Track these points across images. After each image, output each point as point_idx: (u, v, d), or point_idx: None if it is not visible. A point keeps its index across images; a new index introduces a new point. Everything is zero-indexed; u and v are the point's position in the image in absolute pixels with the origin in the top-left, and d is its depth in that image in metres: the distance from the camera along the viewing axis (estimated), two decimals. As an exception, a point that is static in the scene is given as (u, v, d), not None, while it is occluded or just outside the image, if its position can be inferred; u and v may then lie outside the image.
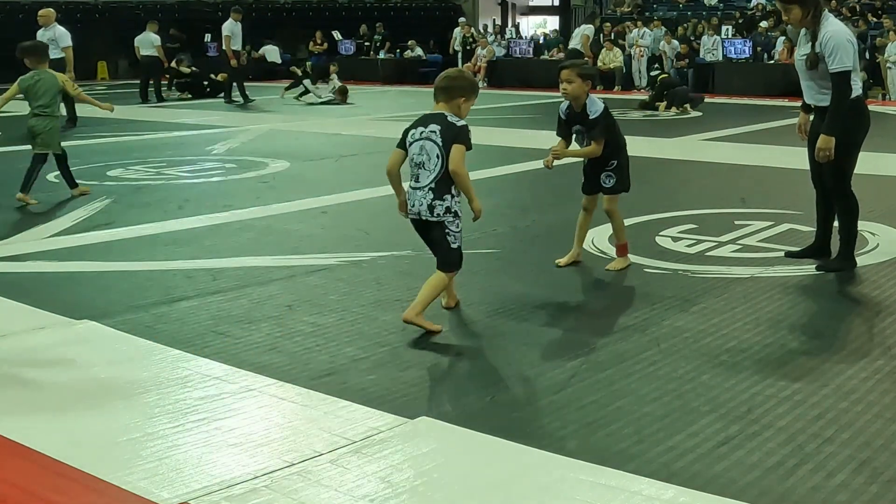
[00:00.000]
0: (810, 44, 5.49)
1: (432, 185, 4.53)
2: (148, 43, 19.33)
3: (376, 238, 6.61)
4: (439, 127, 4.55)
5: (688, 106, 16.25)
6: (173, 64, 20.42)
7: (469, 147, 4.55)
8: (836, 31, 5.41)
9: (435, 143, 4.53)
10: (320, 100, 18.61)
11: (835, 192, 5.66)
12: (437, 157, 4.52)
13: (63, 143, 8.48)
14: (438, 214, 4.55)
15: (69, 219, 7.34)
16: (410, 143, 4.61)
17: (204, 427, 3.48)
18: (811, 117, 5.81)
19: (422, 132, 4.57)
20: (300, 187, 8.87)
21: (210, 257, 6.11)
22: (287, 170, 9.99)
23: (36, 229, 6.96)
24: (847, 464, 3.13)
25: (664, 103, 16.45)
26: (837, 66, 5.35)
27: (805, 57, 5.50)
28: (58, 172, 8.48)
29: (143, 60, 19.55)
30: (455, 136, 4.51)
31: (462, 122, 4.58)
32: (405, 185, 4.67)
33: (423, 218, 4.60)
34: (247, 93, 18.67)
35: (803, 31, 5.59)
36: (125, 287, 5.48)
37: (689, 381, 3.91)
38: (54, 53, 14.08)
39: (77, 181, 8.51)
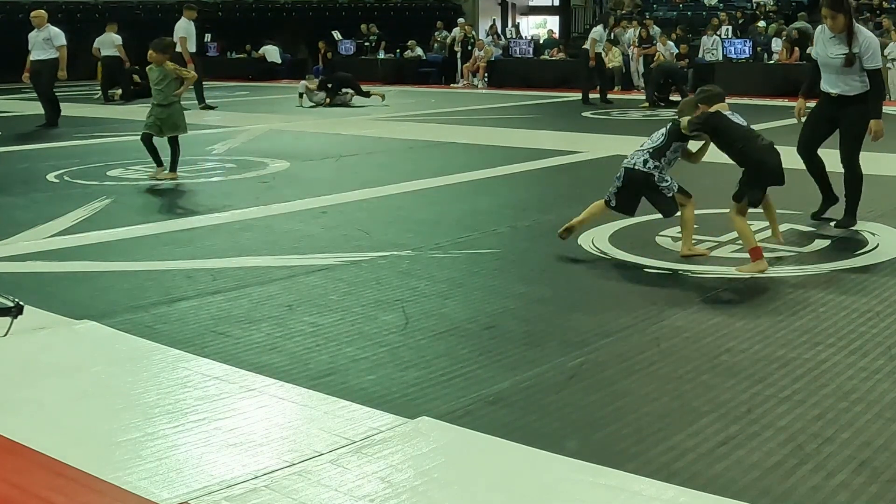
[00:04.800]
0: (844, 45, 6.54)
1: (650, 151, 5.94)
2: (109, 43, 19.44)
3: (376, 238, 6.61)
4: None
5: (685, 88, 17.41)
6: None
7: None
8: (871, 36, 6.64)
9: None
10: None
11: (851, 165, 6.73)
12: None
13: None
14: (649, 168, 5.90)
15: (69, 219, 7.34)
16: None
17: (204, 427, 3.48)
18: (807, 103, 7.09)
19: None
20: (300, 187, 8.87)
21: (210, 257, 6.11)
22: (287, 170, 9.98)
23: (36, 229, 6.96)
24: (847, 464, 3.13)
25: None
26: (873, 65, 6.56)
27: (844, 56, 6.54)
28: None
29: (104, 61, 19.61)
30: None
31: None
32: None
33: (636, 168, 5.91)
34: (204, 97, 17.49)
35: (830, 34, 6.62)
36: (125, 287, 5.49)
37: (689, 381, 3.91)
38: (50, 53, 14.13)
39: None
